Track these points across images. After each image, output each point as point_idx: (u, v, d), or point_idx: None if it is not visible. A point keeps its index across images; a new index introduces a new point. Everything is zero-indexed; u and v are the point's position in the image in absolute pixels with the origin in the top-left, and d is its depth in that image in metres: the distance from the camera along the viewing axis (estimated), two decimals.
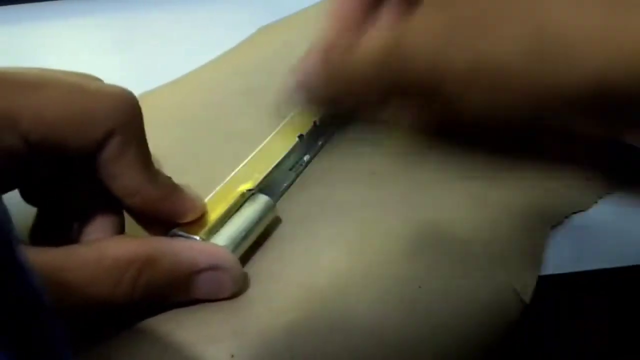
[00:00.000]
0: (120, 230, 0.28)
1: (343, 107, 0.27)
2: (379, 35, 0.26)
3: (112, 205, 0.28)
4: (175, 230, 0.28)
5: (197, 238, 0.28)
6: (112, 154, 0.26)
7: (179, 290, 0.27)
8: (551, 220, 0.31)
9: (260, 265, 0.29)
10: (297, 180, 0.33)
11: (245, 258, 0.29)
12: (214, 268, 0.27)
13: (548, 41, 0.22)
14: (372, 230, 0.30)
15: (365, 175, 0.33)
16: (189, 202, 0.28)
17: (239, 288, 0.27)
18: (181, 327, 0.26)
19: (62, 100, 0.26)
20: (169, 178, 0.28)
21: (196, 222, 0.28)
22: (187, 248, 0.27)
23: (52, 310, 0.17)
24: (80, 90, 0.26)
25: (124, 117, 0.26)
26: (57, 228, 0.30)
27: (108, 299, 0.25)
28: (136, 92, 0.29)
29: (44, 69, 0.27)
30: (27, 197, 0.29)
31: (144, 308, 0.26)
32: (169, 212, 0.28)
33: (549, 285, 0.29)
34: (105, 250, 0.25)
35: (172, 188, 0.28)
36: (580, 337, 0.28)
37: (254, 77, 0.40)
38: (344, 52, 0.27)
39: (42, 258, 0.24)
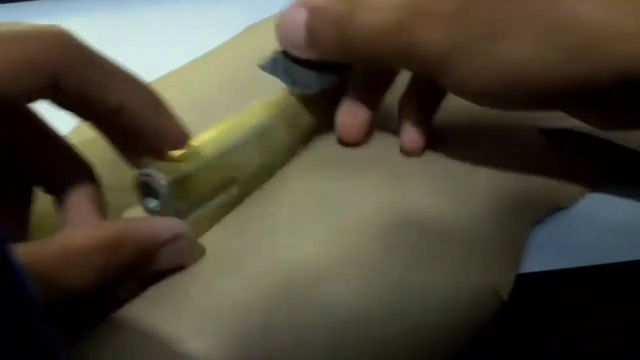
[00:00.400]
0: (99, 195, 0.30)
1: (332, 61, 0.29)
2: (388, 2, 0.27)
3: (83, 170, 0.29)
4: (147, 168, 0.28)
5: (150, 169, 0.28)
6: (75, 86, 0.26)
7: (145, 265, 0.27)
8: (532, 218, 0.31)
9: (237, 259, 0.29)
10: (274, 173, 0.33)
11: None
12: (174, 239, 0.27)
13: (571, 38, 0.24)
14: (349, 225, 0.30)
15: (342, 168, 0.33)
16: (176, 124, 0.29)
17: (195, 256, 0.29)
18: (159, 324, 0.26)
19: None
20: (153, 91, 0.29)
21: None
22: (149, 224, 0.28)
23: (45, 309, 0.17)
24: (12, 39, 0.26)
25: (66, 54, 0.26)
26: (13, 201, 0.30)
27: (81, 287, 0.25)
28: None
29: None
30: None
31: (115, 289, 0.27)
32: (156, 131, 0.28)
33: (529, 283, 0.29)
34: (71, 239, 0.26)
35: (161, 102, 0.29)
36: (560, 336, 0.28)
37: (243, 72, 0.40)
38: (346, 9, 0.28)
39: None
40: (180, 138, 0.29)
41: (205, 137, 0.30)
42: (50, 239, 0.26)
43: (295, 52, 0.32)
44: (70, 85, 0.27)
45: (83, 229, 0.27)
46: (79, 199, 0.29)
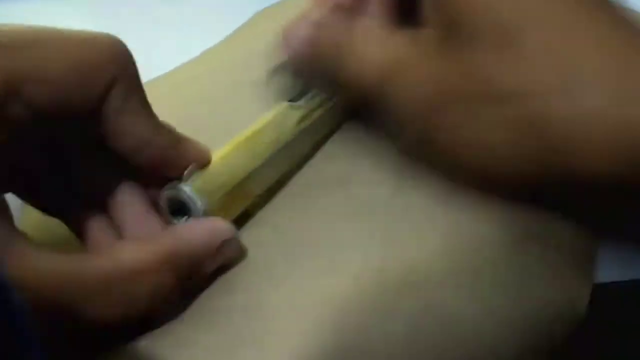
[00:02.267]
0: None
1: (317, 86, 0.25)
2: (376, 41, 0.23)
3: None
4: (181, 185, 0.27)
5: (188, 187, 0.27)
6: (116, 104, 0.25)
7: (198, 277, 0.27)
8: None
9: (282, 273, 0.28)
10: (322, 181, 0.32)
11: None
12: (224, 244, 0.27)
13: (542, 132, 0.19)
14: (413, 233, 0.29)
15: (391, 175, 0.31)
16: (195, 148, 0.28)
17: (239, 254, 0.28)
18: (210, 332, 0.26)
19: (60, 54, 0.24)
20: (172, 127, 0.28)
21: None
22: (198, 234, 0.26)
23: (29, 326, 0.16)
24: (76, 41, 0.25)
25: (122, 63, 0.25)
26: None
27: (127, 312, 0.24)
28: None
29: (29, 25, 0.25)
30: (27, 197, 0.28)
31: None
32: (177, 161, 0.27)
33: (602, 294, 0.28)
34: (119, 260, 0.24)
35: (178, 135, 0.28)
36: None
37: (254, 67, 0.37)
38: (335, 36, 0.24)
39: (56, 267, 0.23)
40: (201, 160, 0.28)
41: (231, 150, 0.29)
42: (100, 256, 0.25)
43: (297, 64, 0.30)
44: (118, 98, 0.25)
45: (132, 248, 0.25)
46: (131, 206, 0.27)
